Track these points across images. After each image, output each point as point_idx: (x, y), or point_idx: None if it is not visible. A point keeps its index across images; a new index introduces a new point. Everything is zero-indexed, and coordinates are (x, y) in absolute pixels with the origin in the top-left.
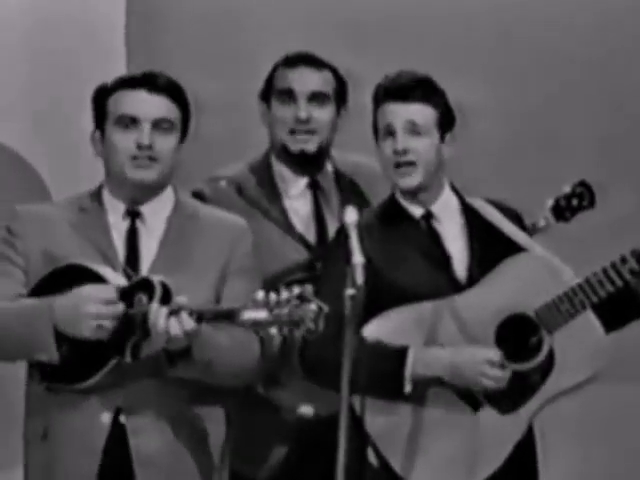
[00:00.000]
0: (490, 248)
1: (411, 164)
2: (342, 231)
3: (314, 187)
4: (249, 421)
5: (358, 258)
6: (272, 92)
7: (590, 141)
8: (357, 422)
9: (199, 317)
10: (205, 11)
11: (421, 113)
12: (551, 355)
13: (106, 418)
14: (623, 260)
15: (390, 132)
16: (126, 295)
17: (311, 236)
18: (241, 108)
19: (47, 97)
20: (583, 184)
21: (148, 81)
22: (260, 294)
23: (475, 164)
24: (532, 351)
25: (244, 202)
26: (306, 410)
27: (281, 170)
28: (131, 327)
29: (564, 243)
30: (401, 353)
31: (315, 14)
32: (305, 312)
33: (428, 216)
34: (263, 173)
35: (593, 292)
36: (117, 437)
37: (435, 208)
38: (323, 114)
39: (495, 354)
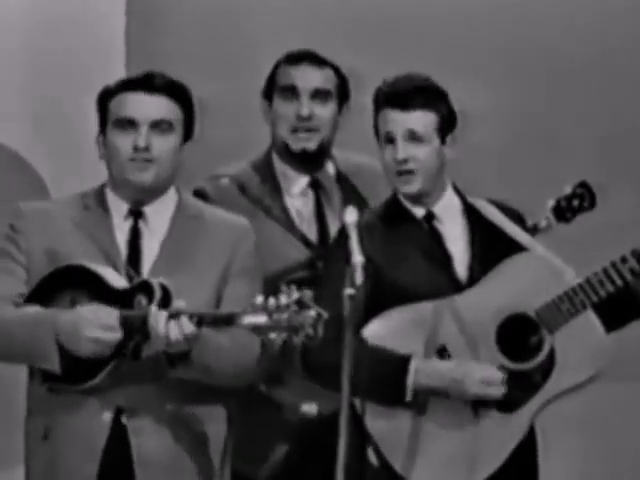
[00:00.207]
0: (492, 248)
1: (412, 172)
2: (343, 231)
3: (315, 186)
4: (251, 420)
5: (357, 258)
6: (274, 89)
7: (590, 141)
8: (358, 422)
9: (199, 321)
10: (205, 12)
11: (421, 121)
12: (552, 355)
13: (107, 418)
14: (623, 260)
15: (390, 140)
16: (126, 297)
17: (312, 235)
18: (241, 108)
19: (47, 97)
20: (584, 185)
21: (147, 82)
22: (259, 299)
23: (475, 165)
24: (533, 351)
25: (246, 200)
26: (309, 408)
27: (283, 168)
28: (131, 329)
29: (564, 244)
30: (404, 362)
31: (315, 14)
32: (304, 318)
33: (430, 217)
34: (265, 171)
35: (594, 292)
36: (118, 437)
37: (437, 209)
38: (325, 111)
39: (495, 374)
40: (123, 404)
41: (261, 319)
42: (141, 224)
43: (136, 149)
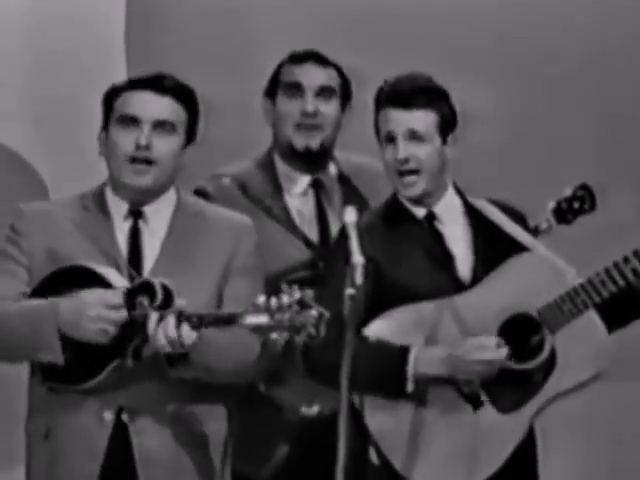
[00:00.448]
0: (493, 248)
1: (413, 172)
2: (344, 231)
3: (317, 186)
4: (251, 420)
5: (357, 258)
6: (278, 87)
7: (590, 141)
8: (358, 421)
9: (199, 322)
10: (205, 11)
11: (422, 120)
12: (553, 355)
13: (108, 418)
14: (625, 260)
15: (391, 139)
16: (128, 297)
17: (313, 235)
18: (241, 108)
19: (47, 97)
20: (584, 187)
21: (155, 83)
22: (261, 299)
23: (476, 165)
24: (534, 351)
25: (247, 200)
26: (309, 409)
27: (284, 168)
28: (132, 330)
29: (565, 244)
30: (403, 352)
31: (316, 13)
32: (306, 318)
33: (431, 217)
34: (266, 171)
35: (595, 292)
36: (119, 437)
37: (438, 209)
38: (329, 109)
39: (488, 339)
40: (124, 404)
41: (263, 319)
42: (141, 224)
43: (137, 147)
